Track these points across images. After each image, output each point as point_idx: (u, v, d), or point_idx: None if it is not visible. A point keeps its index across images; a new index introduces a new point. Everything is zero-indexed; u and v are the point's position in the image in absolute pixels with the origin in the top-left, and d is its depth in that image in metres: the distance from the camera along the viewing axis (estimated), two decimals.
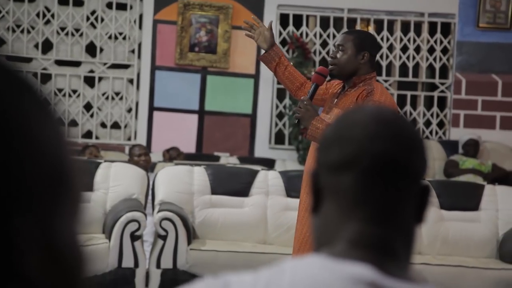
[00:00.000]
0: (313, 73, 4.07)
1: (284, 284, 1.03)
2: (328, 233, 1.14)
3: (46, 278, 0.62)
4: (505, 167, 8.57)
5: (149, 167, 6.95)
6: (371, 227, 1.11)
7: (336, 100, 3.96)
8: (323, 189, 1.15)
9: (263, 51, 4.34)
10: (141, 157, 6.89)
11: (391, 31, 9.40)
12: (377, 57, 9.33)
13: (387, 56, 9.35)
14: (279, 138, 9.37)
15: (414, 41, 9.35)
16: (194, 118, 9.26)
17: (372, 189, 1.12)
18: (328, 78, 4.02)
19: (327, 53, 9.30)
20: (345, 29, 9.33)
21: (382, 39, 9.33)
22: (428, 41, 9.35)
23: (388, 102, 3.83)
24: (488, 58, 9.23)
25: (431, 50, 9.36)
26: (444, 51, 9.38)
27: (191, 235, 5.64)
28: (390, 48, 9.41)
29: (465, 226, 5.78)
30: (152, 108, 9.26)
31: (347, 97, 3.93)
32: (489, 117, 9.18)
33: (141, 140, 9.10)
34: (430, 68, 9.42)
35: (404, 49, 9.39)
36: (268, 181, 6.02)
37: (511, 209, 5.86)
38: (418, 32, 9.37)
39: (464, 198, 5.92)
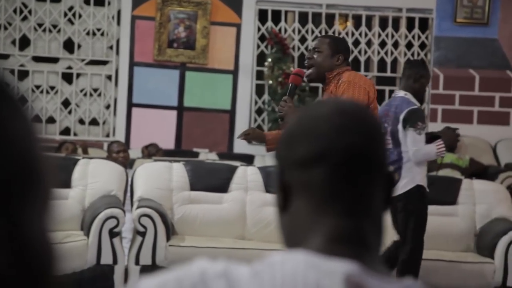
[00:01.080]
0: (292, 69, 4.28)
1: (277, 279, 1.03)
2: (300, 229, 1.13)
3: (15, 274, 0.62)
4: (483, 162, 8.62)
5: (128, 164, 6.94)
6: (345, 221, 1.11)
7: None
8: (291, 186, 1.14)
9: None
10: (119, 154, 6.87)
11: (369, 26, 9.43)
12: (356, 52, 9.37)
13: (366, 52, 9.38)
14: None
15: (392, 36, 9.39)
16: (173, 114, 9.25)
17: (343, 182, 1.12)
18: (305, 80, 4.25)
19: (306, 48, 9.31)
20: (323, 25, 9.35)
21: (360, 34, 9.36)
22: (406, 36, 9.39)
23: (357, 94, 3.98)
24: (465, 53, 9.28)
25: (409, 45, 9.40)
26: (422, 46, 9.43)
27: (170, 232, 5.63)
28: (369, 43, 9.44)
29: (443, 220, 5.81)
30: (130, 105, 9.24)
31: (325, 95, 4.16)
32: (466, 112, 9.24)
33: (120, 136, 9.07)
34: None
35: (382, 44, 9.43)
36: (247, 176, 6.02)
37: (488, 203, 5.90)
38: (396, 27, 9.41)
39: (442, 193, 5.95)
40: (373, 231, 1.13)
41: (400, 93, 5.25)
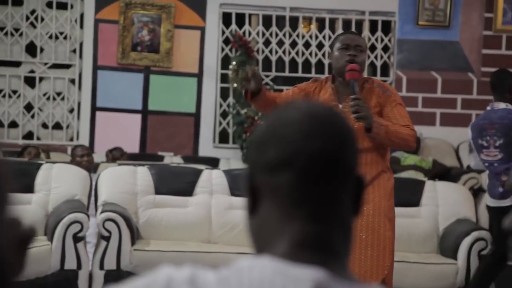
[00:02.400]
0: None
1: (244, 285, 1.03)
2: (267, 233, 1.13)
3: None
4: (445, 163, 8.70)
5: (92, 168, 6.89)
6: (312, 226, 1.11)
7: (341, 105, 3.94)
8: (260, 188, 1.15)
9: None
10: (83, 158, 6.83)
11: (332, 29, 9.47)
12: (320, 55, 9.42)
13: (329, 55, 9.40)
14: (223, 137, 9.37)
15: None
16: (138, 118, 9.21)
17: (311, 188, 1.12)
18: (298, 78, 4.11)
19: (270, 51, 9.33)
20: (287, 28, 9.37)
21: (324, 37, 9.40)
22: (369, 39, 9.45)
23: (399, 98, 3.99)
24: (427, 56, 9.36)
25: (372, 48, 9.47)
26: (385, 49, 9.50)
27: (135, 236, 5.61)
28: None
29: (406, 221, 5.86)
30: (94, 108, 9.18)
31: (368, 94, 3.96)
32: (429, 114, 9.32)
33: (84, 140, 9.01)
34: (372, 65, 9.52)
35: None
36: (212, 180, 6.02)
37: (451, 205, 5.96)
38: (359, 30, 9.46)
39: (406, 194, 5.99)
40: (341, 236, 1.13)
41: (500, 105, 5.33)
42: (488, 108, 5.49)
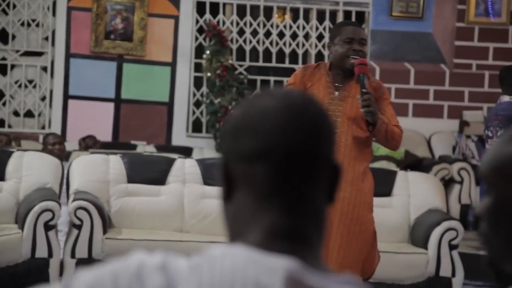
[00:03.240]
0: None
1: (216, 274, 1.03)
2: (241, 222, 1.14)
3: None
4: (417, 154, 8.76)
5: (64, 156, 6.85)
6: (285, 217, 1.12)
7: (338, 93, 3.93)
8: (235, 176, 1.15)
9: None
10: (55, 146, 6.79)
11: (307, 19, 9.48)
12: (294, 45, 9.42)
13: (303, 45, 9.43)
14: (196, 126, 9.36)
15: (330, 29, 9.45)
16: (110, 106, 9.17)
17: (285, 179, 1.12)
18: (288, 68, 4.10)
19: (244, 41, 9.33)
20: (262, 17, 9.36)
21: (298, 27, 9.41)
22: None
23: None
24: (401, 47, 9.41)
25: None
26: None
27: (107, 224, 5.59)
28: (306, 36, 9.49)
29: (378, 211, 5.86)
30: (67, 96, 9.13)
31: (353, 89, 3.94)
32: (402, 105, 9.37)
33: (56, 129, 8.96)
34: None
35: (320, 37, 9.49)
36: (185, 169, 6.01)
37: (422, 195, 6.00)
38: (333, 20, 9.48)
39: (377, 184, 5.99)
40: (314, 226, 1.13)
41: (505, 98, 5.56)
42: (498, 101, 5.73)
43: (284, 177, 1.12)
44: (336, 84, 3.97)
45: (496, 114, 5.58)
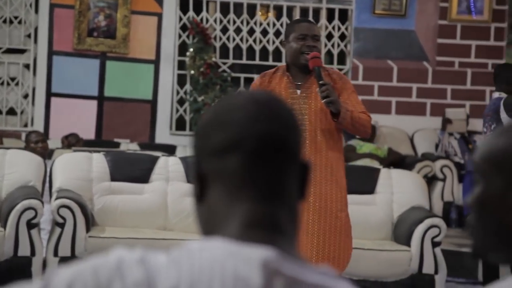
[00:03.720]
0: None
1: (195, 267, 1.04)
2: (217, 217, 1.15)
3: None
4: (400, 151, 8.80)
5: (47, 154, 6.83)
6: (260, 207, 1.13)
7: (300, 91, 3.99)
8: (208, 175, 1.16)
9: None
10: (38, 144, 6.76)
11: (290, 17, 9.49)
12: (277, 42, 9.43)
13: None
14: (180, 124, 9.35)
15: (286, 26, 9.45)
16: (94, 104, 9.14)
17: (258, 169, 1.14)
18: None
19: (228, 38, 9.32)
20: (245, 15, 9.36)
21: (282, 25, 9.41)
22: (326, 27, 9.49)
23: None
24: (383, 45, 9.43)
25: (329, 36, 9.51)
26: (342, 37, 9.55)
27: (90, 223, 5.58)
28: None
29: (361, 209, 5.90)
30: (49, 94, 9.09)
31: (314, 85, 3.99)
32: (385, 102, 9.40)
33: (38, 126, 8.92)
34: (329, 54, 9.57)
35: None
36: (168, 167, 6.00)
37: (405, 192, 6.02)
38: (316, 18, 9.49)
39: (361, 182, 6.04)
40: (288, 217, 1.15)
41: (495, 94, 5.81)
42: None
43: (256, 167, 1.14)
44: (297, 83, 4.04)
45: (488, 110, 5.78)
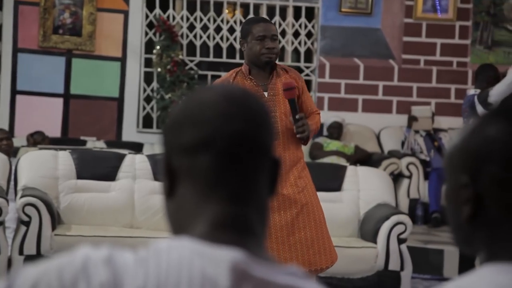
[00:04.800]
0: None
1: (162, 267, 1.03)
2: (186, 215, 1.14)
3: None
4: (367, 149, 8.84)
5: (12, 152, 6.77)
6: (230, 206, 1.12)
7: (266, 93, 4.03)
8: (177, 171, 1.15)
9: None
10: (2, 142, 6.70)
11: (257, 14, 9.48)
12: None
13: None
14: (147, 122, 9.31)
15: (280, 25, 9.49)
16: (59, 101, 9.07)
17: (229, 169, 1.13)
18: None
19: (194, 36, 9.31)
20: (212, 13, 9.35)
21: None
22: (293, 25, 9.51)
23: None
24: (350, 43, 9.47)
25: (296, 34, 9.53)
26: (309, 35, 9.57)
27: (56, 221, 5.54)
28: None
29: (328, 206, 5.92)
30: (14, 92, 9.00)
31: (278, 85, 4.06)
32: (351, 100, 9.45)
33: (3, 124, 8.83)
34: (296, 52, 9.59)
35: None
36: (135, 165, 5.98)
37: (371, 189, 6.06)
38: (283, 16, 9.51)
39: (327, 179, 6.07)
40: (258, 217, 1.14)
41: (470, 91, 6.13)
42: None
43: (227, 166, 1.12)
44: (261, 84, 4.08)
45: (465, 106, 6.05)
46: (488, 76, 6.09)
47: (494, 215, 1.13)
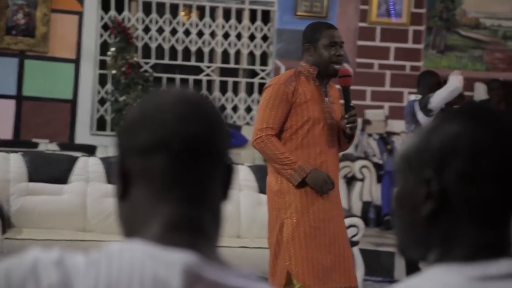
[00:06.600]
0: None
1: (114, 269, 1.03)
2: (139, 217, 1.13)
3: None
4: None
5: None
6: (184, 208, 1.12)
7: (326, 98, 3.99)
8: (131, 173, 1.14)
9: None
10: None
11: (213, 17, 9.49)
12: (200, 43, 9.41)
13: (209, 43, 9.44)
14: (101, 124, 9.25)
15: (236, 28, 9.50)
16: (11, 103, 8.97)
17: (183, 170, 1.13)
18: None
19: (150, 38, 9.27)
20: (168, 15, 9.32)
21: (204, 25, 9.41)
22: (249, 28, 9.53)
23: None
24: None
25: (252, 37, 9.55)
26: (265, 38, 9.59)
27: (6, 224, 5.48)
28: (212, 34, 9.50)
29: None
30: None
31: (334, 92, 4.05)
32: None
33: None
34: (251, 55, 9.61)
35: (226, 35, 9.52)
36: (88, 167, 5.94)
37: None
38: (239, 19, 9.53)
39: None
40: (211, 219, 1.15)
41: (411, 96, 6.30)
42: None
43: (181, 168, 1.13)
44: (323, 89, 4.01)
45: (406, 112, 6.22)
46: (429, 82, 6.22)
47: (457, 210, 1.15)
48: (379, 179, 8.57)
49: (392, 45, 9.62)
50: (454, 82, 6.06)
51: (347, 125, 3.89)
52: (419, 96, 6.20)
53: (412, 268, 5.90)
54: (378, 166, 8.67)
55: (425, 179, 1.15)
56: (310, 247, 3.88)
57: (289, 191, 3.90)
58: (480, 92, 9.57)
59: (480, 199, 1.14)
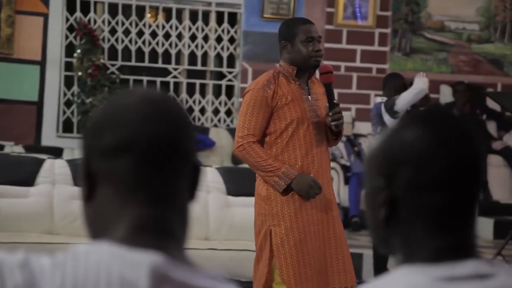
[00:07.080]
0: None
1: (80, 271, 1.02)
2: (105, 219, 1.13)
3: None
4: None
5: None
6: (150, 210, 1.12)
7: (310, 96, 3.89)
8: (97, 175, 1.14)
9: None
10: None
11: (180, 19, 9.48)
12: (167, 45, 9.39)
13: (176, 45, 9.42)
14: (67, 127, 9.19)
15: (203, 30, 9.49)
16: None
17: (149, 171, 1.12)
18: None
19: (116, 40, 9.23)
20: (134, 17, 9.29)
21: (171, 27, 9.39)
22: (216, 31, 9.53)
23: None
24: (272, 48, 9.51)
25: (218, 39, 9.55)
26: (231, 40, 9.60)
27: None
28: (179, 36, 9.49)
29: (245, 211, 5.95)
30: None
31: (317, 88, 3.94)
32: None
33: None
34: (218, 57, 9.61)
35: (193, 37, 9.51)
36: (54, 170, 5.90)
37: None
38: (206, 21, 9.52)
39: (250, 184, 6.08)
40: (178, 220, 1.14)
41: (377, 99, 6.38)
42: None
43: (147, 169, 1.12)
44: (304, 88, 3.92)
45: (373, 114, 6.29)
46: (395, 84, 6.29)
47: (406, 218, 1.16)
48: (347, 181, 8.61)
49: (358, 48, 9.68)
50: (420, 84, 6.13)
51: (332, 123, 3.81)
52: (385, 98, 6.27)
53: (380, 269, 5.94)
54: (345, 168, 8.72)
55: (379, 186, 1.17)
56: (302, 253, 3.82)
57: (276, 198, 3.84)
58: (445, 95, 9.67)
59: (428, 206, 1.15)
